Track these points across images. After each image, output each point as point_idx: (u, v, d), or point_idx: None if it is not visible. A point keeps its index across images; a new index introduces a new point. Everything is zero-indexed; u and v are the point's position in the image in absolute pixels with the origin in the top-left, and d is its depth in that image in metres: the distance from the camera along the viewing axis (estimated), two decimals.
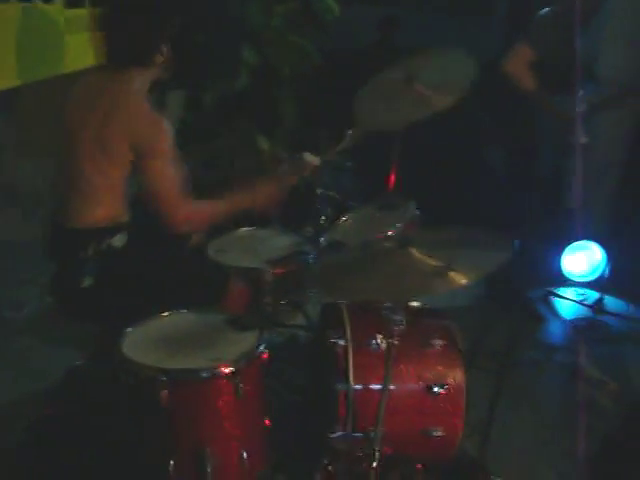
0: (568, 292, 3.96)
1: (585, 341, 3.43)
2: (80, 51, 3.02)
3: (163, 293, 2.39)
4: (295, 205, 3.10)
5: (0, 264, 3.45)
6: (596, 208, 3.85)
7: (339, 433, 2.30)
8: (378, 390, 2.21)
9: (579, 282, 4.00)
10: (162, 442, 2.10)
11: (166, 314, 2.28)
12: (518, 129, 4.05)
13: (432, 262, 1.91)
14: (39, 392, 2.81)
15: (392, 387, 2.27)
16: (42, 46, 2.97)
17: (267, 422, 2.26)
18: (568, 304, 3.89)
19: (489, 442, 2.60)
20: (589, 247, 3.94)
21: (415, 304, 2.49)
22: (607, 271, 3.87)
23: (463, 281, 1.84)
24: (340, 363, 2.31)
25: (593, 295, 3.90)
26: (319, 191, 2.98)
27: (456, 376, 2.34)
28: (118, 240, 2.38)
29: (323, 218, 2.96)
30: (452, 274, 1.85)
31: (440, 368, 2.35)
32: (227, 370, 2.03)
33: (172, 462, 2.06)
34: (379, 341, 2.30)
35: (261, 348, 2.15)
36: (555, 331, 3.75)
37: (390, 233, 2.50)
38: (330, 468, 2.35)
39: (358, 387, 2.29)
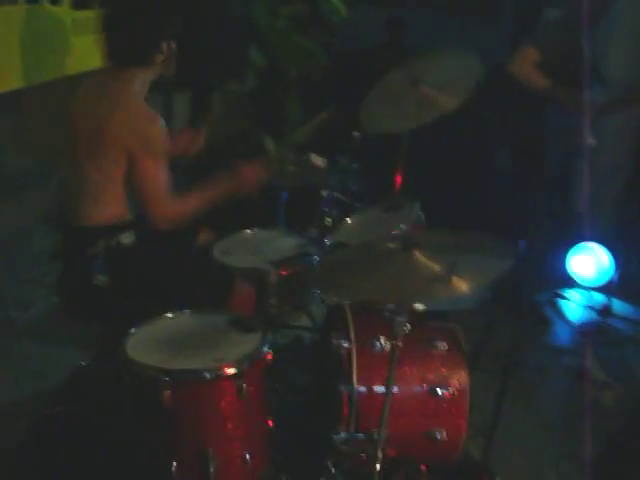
0: (575, 295, 3.94)
1: (591, 344, 3.42)
2: (88, 53, 3.03)
3: (169, 293, 2.40)
4: (300, 206, 3.11)
5: (7, 264, 3.46)
6: (603, 210, 3.83)
7: (342, 434, 2.30)
8: (382, 392, 2.21)
9: (586, 285, 3.98)
10: (165, 442, 2.10)
11: (170, 315, 2.28)
12: (525, 130, 4.05)
13: (435, 266, 1.90)
14: (43, 392, 2.81)
15: (396, 389, 2.28)
16: (47, 48, 2.98)
17: (270, 423, 2.25)
18: (575, 307, 3.87)
19: (493, 444, 2.58)
20: (596, 250, 3.92)
21: (419, 306, 2.48)
22: (614, 274, 3.85)
23: (465, 289, 1.83)
24: (344, 365, 2.32)
25: (600, 298, 3.88)
26: (324, 193, 2.98)
27: (460, 378, 2.34)
28: (126, 238, 2.40)
29: (329, 220, 2.97)
30: (454, 280, 1.84)
31: (444, 370, 2.34)
32: (230, 371, 2.03)
33: (175, 462, 2.05)
34: (383, 343, 2.30)
35: (265, 349, 2.15)
36: (561, 334, 3.74)
37: (395, 232, 2.51)
38: (333, 470, 2.35)
39: (362, 389, 2.30)
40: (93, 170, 2.38)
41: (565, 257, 3.94)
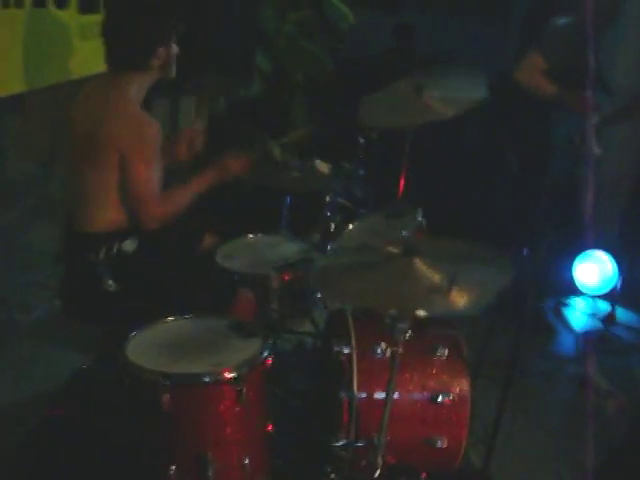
0: (579, 303, 3.93)
1: (595, 353, 3.41)
2: (94, 57, 3.03)
3: (171, 298, 2.41)
4: (304, 212, 3.12)
5: (10, 266, 3.47)
6: (608, 219, 3.82)
7: (342, 441, 2.30)
8: (382, 398, 2.20)
9: (590, 293, 3.97)
10: (164, 446, 2.10)
11: (171, 319, 2.29)
12: (531, 137, 4.04)
13: (435, 276, 1.90)
14: (44, 394, 2.82)
15: (396, 395, 2.27)
16: (51, 51, 2.99)
17: (270, 428, 2.25)
18: (579, 315, 3.86)
19: (494, 452, 2.58)
20: (601, 258, 3.91)
21: (421, 312, 2.48)
22: (619, 283, 3.84)
23: (462, 304, 1.82)
24: (344, 370, 2.31)
25: (604, 306, 3.87)
26: (328, 198, 2.99)
27: (461, 385, 2.34)
28: (128, 245, 2.41)
29: (332, 225, 2.97)
30: (453, 294, 1.83)
31: (445, 377, 2.34)
32: (230, 376, 2.02)
33: (173, 466, 2.05)
34: (384, 349, 2.30)
35: (265, 354, 2.15)
36: (565, 342, 3.73)
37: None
38: (333, 476, 2.35)
39: (362, 395, 2.29)
40: (90, 175, 2.40)
41: (570, 265, 3.93)
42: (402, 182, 3.09)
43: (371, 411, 2.26)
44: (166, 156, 2.53)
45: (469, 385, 2.33)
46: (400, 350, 2.10)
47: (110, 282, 2.36)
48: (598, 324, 3.79)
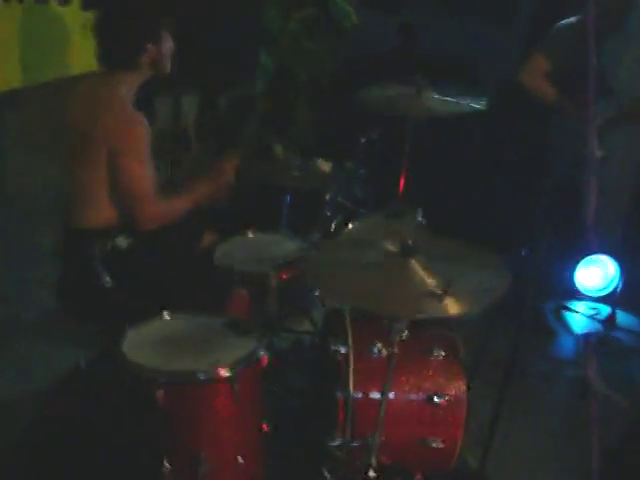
0: (580, 306, 3.92)
1: (595, 356, 3.39)
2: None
3: (166, 295, 2.41)
4: (304, 210, 3.12)
5: (10, 264, 3.49)
6: (610, 222, 3.81)
7: (338, 440, 2.30)
8: (378, 399, 2.19)
9: (591, 296, 3.95)
10: (158, 443, 2.10)
11: (167, 316, 2.28)
12: (532, 139, 4.03)
13: (431, 280, 1.89)
14: (42, 391, 2.82)
15: (392, 396, 2.27)
16: (50, 47, 3.00)
17: (265, 427, 2.25)
18: (579, 318, 3.85)
19: (491, 454, 2.57)
20: (602, 261, 3.89)
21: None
22: (620, 285, 3.83)
23: (456, 311, 1.82)
24: (341, 370, 2.31)
25: (605, 309, 3.85)
26: (328, 197, 2.98)
27: (457, 387, 2.33)
28: (121, 241, 2.41)
29: (332, 225, 2.97)
30: (448, 300, 1.83)
31: (441, 379, 2.34)
32: (224, 374, 2.03)
33: (167, 463, 2.06)
34: (380, 349, 2.30)
35: (260, 353, 2.15)
36: (565, 345, 3.72)
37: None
38: (328, 476, 2.35)
39: (358, 395, 2.29)
40: (83, 172, 2.42)
41: (570, 268, 3.92)
42: (402, 182, 3.09)
43: (367, 411, 2.26)
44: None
45: (465, 386, 2.32)
46: (397, 350, 2.09)
47: (107, 278, 2.37)
48: (598, 327, 3.77)
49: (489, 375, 2.80)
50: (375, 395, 2.28)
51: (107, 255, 2.39)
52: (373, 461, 2.20)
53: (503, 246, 2.57)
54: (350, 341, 2.34)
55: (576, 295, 3.95)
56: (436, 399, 2.29)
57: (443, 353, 2.35)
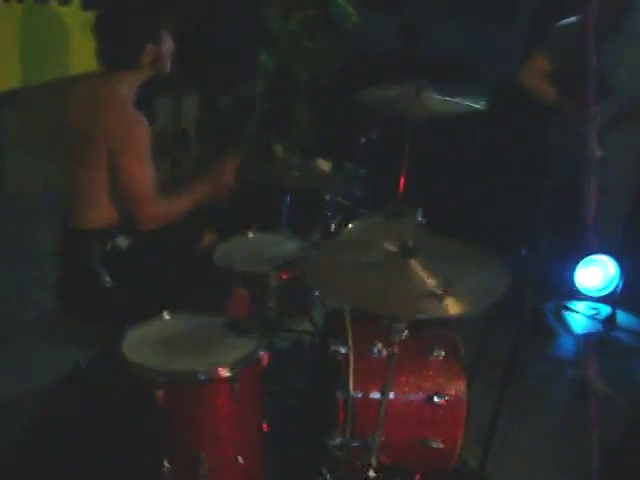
0: (580, 306, 3.92)
1: (595, 356, 3.39)
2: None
3: (166, 295, 2.41)
4: (304, 210, 3.12)
5: (11, 264, 3.48)
6: (610, 222, 3.81)
7: (338, 440, 2.30)
8: (378, 399, 2.19)
9: (591, 296, 3.95)
10: (158, 443, 2.10)
11: (167, 316, 2.28)
12: (532, 139, 4.03)
13: (431, 280, 1.89)
14: (42, 392, 2.82)
15: (392, 396, 2.27)
16: (49, 47, 3.00)
17: (265, 427, 2.25)
18: (579, 318, 3.85)
19: (491, 454, 2.57)
20: (602, 261, 3.89)
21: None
22: (620, 286, 3.83)
23: (456, 311, 1.82)
24: (341, 370, 2.31)
25: (605, 309, 3.85)
26: (328, 197, 2.98)
27: (457, 387, 2.33)
28: (121, 241, 2.41)
29: (332, 225, 2.97)
30: (448, 300, 1.83)
31: (441, 379, 2.33)
32: (224, 374, 2.03)
33: (167, 463, 2.06)
34: (380, 349, 2.30)
35: (260, 353, 2.15)
36: (565, 345, 3.72)
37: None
38: (328, 476, 2.35)
39: (358, 395, 2.29)
40: (82, 172, 2.42)
41: (570, 268, 3.92)
42: (402, 182, 3.09)
43: (367, 411, 2.25)
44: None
45: (465, 386, 2.32)
46: (397, 350, 2.10)
47: (107, 278, 2.37)
48: (598, 327, 3.77)
49: (489, 375, 2.80)
50: (375, 395, 2.28)
51: (107, 255, 2.39)
52: (373, 461, 2.20)
53: (503, 246, 2.57)
54: (350, 341, 2.34)
55: (576, 295, 3.95)
56: (436, 399, 2.29)
57: (443, 353, 2.35)
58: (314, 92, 4.65)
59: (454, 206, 3.93)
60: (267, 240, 2.91)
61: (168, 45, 2.46)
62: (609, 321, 3.77)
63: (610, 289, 3.90)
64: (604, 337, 3.68)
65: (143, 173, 2.36)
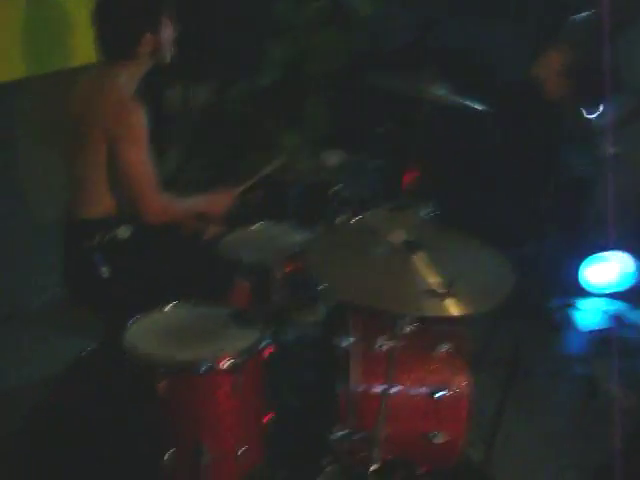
0: (589, 302, 3.88)
1: (604, 353, 3.36)
2: None
3: (169, 285, 2.41)
4: (312, 203, 3.11)
5: (22, 250, 3.49)
6: (622, 218, 3.77)
7: (340, 433, 2.29)
8: (381, 392, 2.19)
9: (601, 293, 3.92)
10: (160, 432, 2.11)
11: (171, 306, 2.29)
12: (544, 135, 4.00)
13: (433, 278, 1.88)
14: (48, 379, 2.83)
15: (395, 390, 2.26)
16: (54, 37, 2.99)
17: (267, 418, 2.25)
18: (589, 315, 3.82)
19: (495, 450, 2.56)
20: (614, 257, 3.85)
21: None
22: (630, 283, 3.79)
23: (457, 312, 1.82)
24: (344, 363, 2.30)
25: (615, 306, 3.82)
26: (336, 190, 2.97)
27: (461, 382, 2.31)
28: (123, 232, 2.41)
29: (339, 217, 2.96)
30: (449, 300, 1.82)
31: (444, 373, 2.32)
32: (226, 364, 2.03)
33: (169, 454, 2.06)
34: (384, 343, 2.28)
35: (263, 344, 2.15)
36: (574, 342, 3.69)
37: None
38: (330, 469, 2.34)
39: (360, 388, 2.28)
40: (81, 162, 2.42)
41: (581, 264, 3.88)
42: (411, 175, 3.07)
43: (369, 404, 2.25)
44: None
45: (469, 381, 2.30)
46: (400, 344, 2.09)
47: (104, 269, 2.37)
48: (608, 324, 3.74)
49: (495, 372, 2.78)
50: (378, 388, 2.26)
51: (106, 245, 2.39)
52: (375, 454, 2.20)
53: (511, 242, 2.56)
54: (353, 334, 2.33)
55: (586, 292, 3.91)
56: (440, 393, 2.28)
57: (448, 347, 2.33)
58: (328, 83, 4.62)
59: (463, 201, 3.90)
60: (273, 232, 2.90)
61: (168, 33, 2.44)
62: (619, 318, 3.73)
63: (621, 286, 3.86)
64: (613, 334, 3.65)
65: (139, 159, 2.34)
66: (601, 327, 3.72)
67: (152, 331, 2.16)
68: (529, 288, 2.65)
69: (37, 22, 2.86)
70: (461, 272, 1.89)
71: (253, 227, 2.90)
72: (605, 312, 3.80)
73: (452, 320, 2.46)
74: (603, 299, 3.88)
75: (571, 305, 3.84)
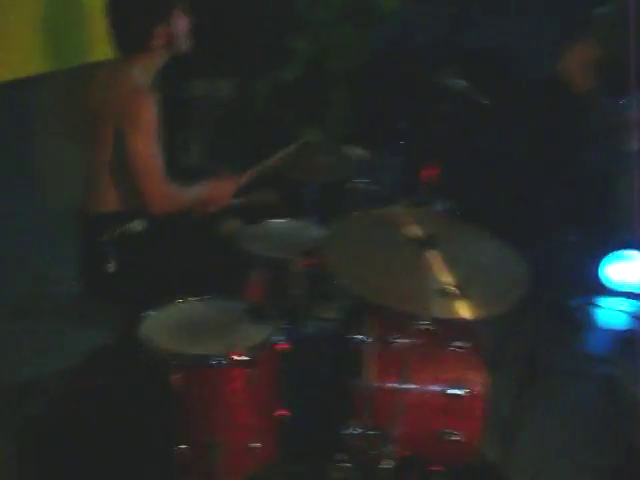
0: (612, 301, 3.82)
1: (626, 353, 3.31)
2: None
3: (183, 279, 2.41)
4: (331, 198, 3.10)
5: (48, 242, 3.52)
6: None
7: (355, 430, 2.28)
8: (396, 388, 2.18)
9: (623, 291, 3.86)
10: (173, 426, 2.11)
11: (187, 300, 2.30)
12: (567, 129, 3.95)
13: (448, 277, 1.86)
14: (66, 371, 2.85)
15: (411, 387, 2.24)
16: (71, 33, 3.01)
17: (281, 413, 2.25)
18: (612, 314, 3.76)
19: (511, 449, 2.53)
20: (638, 255, 3.79)
21: None
22: None
23: (468, 315, 1.81)
24: (360, 359, 2.29)
25: (637, 305, 3.75)
26: (354, 184, 2.96)
27: (478, 380, 2.29)
28: (137, 225, 2.42)
29: (360, 213, 2.94)
30: (461, 302, 1.80)
31: (461, 371, 2.30)
32: (240, 358, 2.03)
33: (182, 447, 2.07)
34: (401, 339, 2.27)
35: (278, 339, 2.15)
36: (596, 341, 3.64)
37: None
38: (344, 465, 2.34)
39: (376, 385, 2.27)
40: (94, 156, 2.44)
41: (604, 262, 3.83)
42: (433, 172, 3.05)
43: (385, 401, 2.24)
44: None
45: (485, 379, 2.28)
46: (416, 341, 2.08)
47: (110, 264, 2.38)
48: (632, 323, 3.68)
49: (512, 370, 2.76)
50: (393, 385, 2.25)
51: (120, 239, 2.40)
52: (390, 451, 2.19)
53: (534, 238, 2.52)
54: (371, 330, 2.32)
55: (609, 290, 3.86)
56: (456, 391, 2.26)
57: (465, 345, 2.31)
58: (350, 79, 4.60)
59: (481, 197, 3.86)
60: (291, 227, 2.89)
61: (182, 25, 2.44)
62: None
63: None
64: (637, 334, 3.59)
65: (147, 150, 2.34)
66: (623, 326, 3.66)
67: (167, 325, 2.17)
68: (550, 286, 2.62)
69: (57, 18, 2.88)
70: (475, 272, 1.88)
71: (271, 222, 2.90)
72: (627, 311, 3.74)
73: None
74: (625, 298, 3.82)
75: (593, 303, 3.79)
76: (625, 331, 3.61)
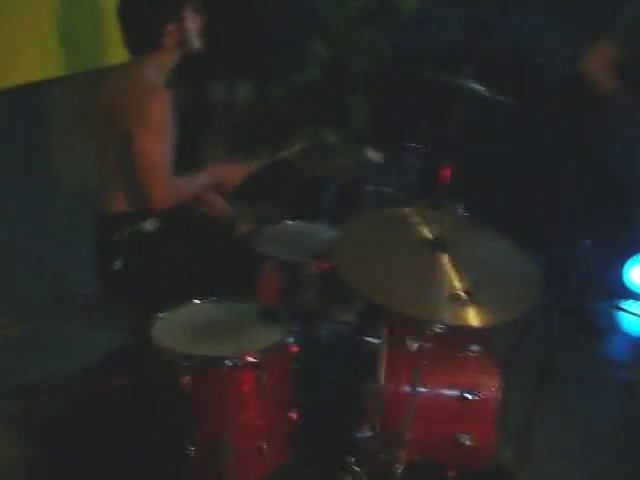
0: (634, 306, 3.77)
1: None
2: None
3: (199, 279, 2.42)
4: (348, 200, 3.09)
5: (67, 243, 3.55)
6: None
7: (367, 433, 2.27)
8: (409, 392, 2.16)
9: None
10: (183, 427, 2.12)
11: (199, 301, 2.30)
12: (590, 132, 3.90)
13: (459, 283, 1.84)
14: (82, 371, 2.87)
15: (423, 391, 2.23)
16: (87, 35, 3.03)
17: (293, 416, 2.24)
18: (633, 319, 3.71)
19: (526, 455, 2.51)
20: None
21: None
22: None
23: (477, 322, 1.80)
24: (373, 362, 2.28)
25: None
26: (370, 188, 2.95)
27: (491, 384, 2.27)
28: (149, 224, 2.42)
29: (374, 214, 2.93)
30: (471, 309, 1.78)
31: (475, 374, 2.28)
32: (251, 360, 2.03)
33: (192, 448, 2.07)
34: (414, 343, 2.25)
35: (289, 341, 2.14)
36: (617, 347, 3.59)
37: None
38: (356, 469, 2.32)
39: (389, 388, 2.26)
40: (108, 156, 2.45)
41: (626, 266, 3.77)
42: (446, 173, 3.03)
43: (397, 404, 2.22)
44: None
45: (499, 383, 2.26)
46: (430, 344, 2.06)
47: (117, 262, 2.39)
48: None
49: (528, 374, 2.72)
50: (406, 388, 2.24)
51: (132, 238, 2.41)
52: (401, 455, 2.17)
53: (555, 242, 2.49)
54: (384, 333, 2.31)
55: (631, 294, 3.80)
56: (469, 395, 2.24)
57: (478, 348, 2.30)
58: (370, 81, 4.58)
59: (498, 200, 3.82)
60: (307, 229, 2.89)
61: (193, 22, 2.43)
62: None
63: None
64: None
65: (155, 148, 2.32)
66: None
67: (179, 326, 2.18)
68: (570, 289, 2.58)
69: (76, 21, 2.90)
70: (487, 277, 1.86)
71: (287, 223, 2.90)
72: None
73: None
74: None
75: (616, 307, 3.74)
76: None
